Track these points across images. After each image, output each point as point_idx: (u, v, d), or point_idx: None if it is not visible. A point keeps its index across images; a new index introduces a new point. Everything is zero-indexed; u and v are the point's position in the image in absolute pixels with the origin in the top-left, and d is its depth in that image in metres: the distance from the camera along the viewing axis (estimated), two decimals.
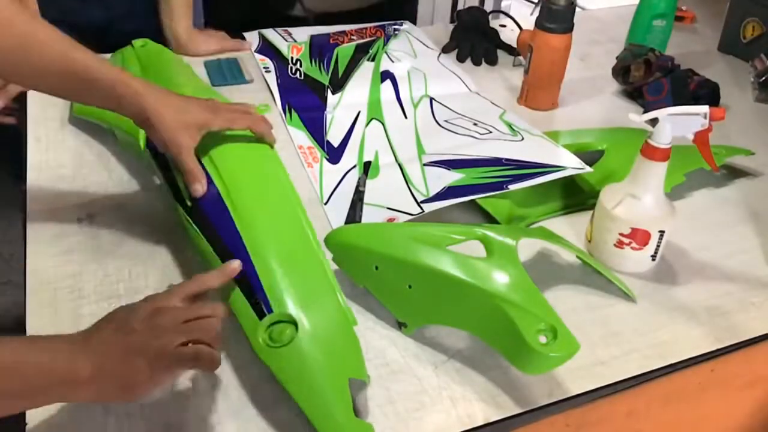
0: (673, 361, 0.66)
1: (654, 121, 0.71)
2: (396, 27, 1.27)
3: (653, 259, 0.76)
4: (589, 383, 0.63)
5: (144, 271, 0.71)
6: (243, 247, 0.64)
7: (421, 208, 0.78)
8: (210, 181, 0.71)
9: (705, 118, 0.71)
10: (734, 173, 0.95)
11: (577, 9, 1.03)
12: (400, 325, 0.67)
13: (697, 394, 0.68)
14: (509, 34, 1.31)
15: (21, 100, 0.98)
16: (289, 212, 0.70)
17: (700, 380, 0.67)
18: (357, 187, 0.84)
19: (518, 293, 0.60)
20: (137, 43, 1.02)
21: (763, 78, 1.15)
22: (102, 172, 0.86)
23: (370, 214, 0.79)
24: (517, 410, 0.60)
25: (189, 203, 0.71)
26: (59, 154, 0.88)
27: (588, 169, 0.81)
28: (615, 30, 1.35)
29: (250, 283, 0.62)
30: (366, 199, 0.82)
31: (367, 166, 0.89)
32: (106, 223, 0.78)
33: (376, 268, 0.65)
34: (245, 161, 0.76)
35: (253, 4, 1.25)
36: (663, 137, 0.70)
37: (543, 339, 0.57)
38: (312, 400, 0.55)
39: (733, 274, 0.77)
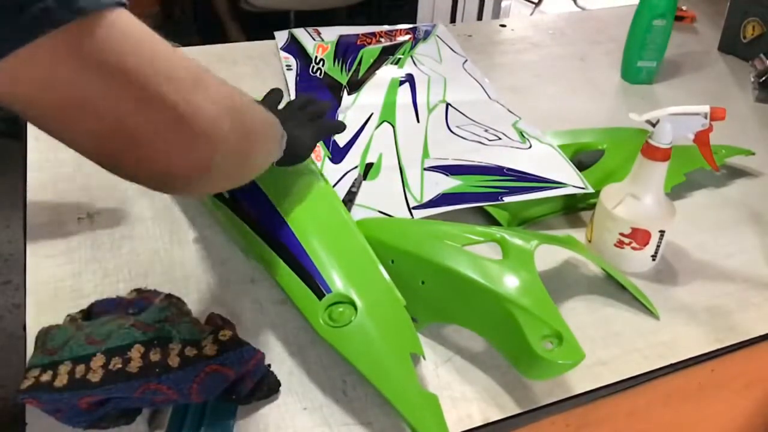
0: (673, 361, 0.65)
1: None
2: (428, 29, 1.25)
3: (653, 259, 0.76)
4: (590, 383, 0.62)
5: (144, 271, 0.71)
6: (291, 232, 0.66)
7: (411, 213, 0.77)
8: None
9: (705, 118, 0.71)
10: (734, 173, 0.95)
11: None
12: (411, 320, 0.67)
13: (697, 394, 0.68)
14: (509, 34, 1.31)
15: None
16: (325, 196, 0.71)
17: (700, 380, 0.67)
18: (350, 188, 0.83)
19: (528, 298, 0.60)
20: None
21: (763, 78, 1.15)
22: (103, 171, 0.85)
23: (358, 216, 0.79)
24: (518, 410, 0.60)
25: (227, 195, 0.73)
26: (59, 152, 0.88)
27: (589, 189, 0.80)
28: (615, 30, 1.35)
29: (304, 267, 0.63)
30: (358, 201, 0.81)
31: (368, 167, 0.88)
32: (106, 222, 0.78)
33: (392, 262, 0.66)
34: None
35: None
36: (663, 137, 0.70)
37: (548, 345, 0.57)
38: (383, 376, 0.56)
39: (733, 274, 0.77)
